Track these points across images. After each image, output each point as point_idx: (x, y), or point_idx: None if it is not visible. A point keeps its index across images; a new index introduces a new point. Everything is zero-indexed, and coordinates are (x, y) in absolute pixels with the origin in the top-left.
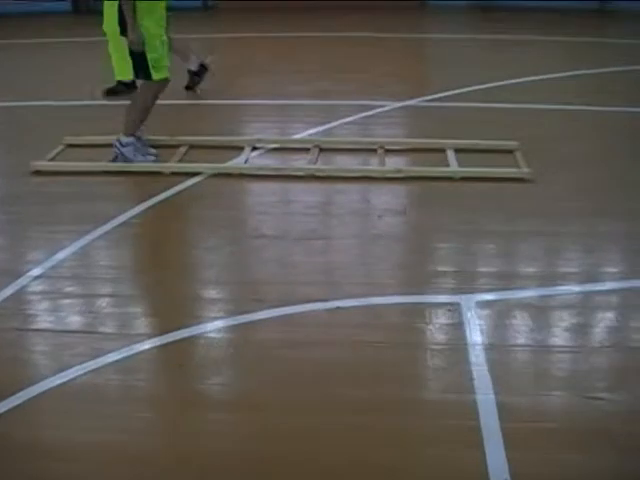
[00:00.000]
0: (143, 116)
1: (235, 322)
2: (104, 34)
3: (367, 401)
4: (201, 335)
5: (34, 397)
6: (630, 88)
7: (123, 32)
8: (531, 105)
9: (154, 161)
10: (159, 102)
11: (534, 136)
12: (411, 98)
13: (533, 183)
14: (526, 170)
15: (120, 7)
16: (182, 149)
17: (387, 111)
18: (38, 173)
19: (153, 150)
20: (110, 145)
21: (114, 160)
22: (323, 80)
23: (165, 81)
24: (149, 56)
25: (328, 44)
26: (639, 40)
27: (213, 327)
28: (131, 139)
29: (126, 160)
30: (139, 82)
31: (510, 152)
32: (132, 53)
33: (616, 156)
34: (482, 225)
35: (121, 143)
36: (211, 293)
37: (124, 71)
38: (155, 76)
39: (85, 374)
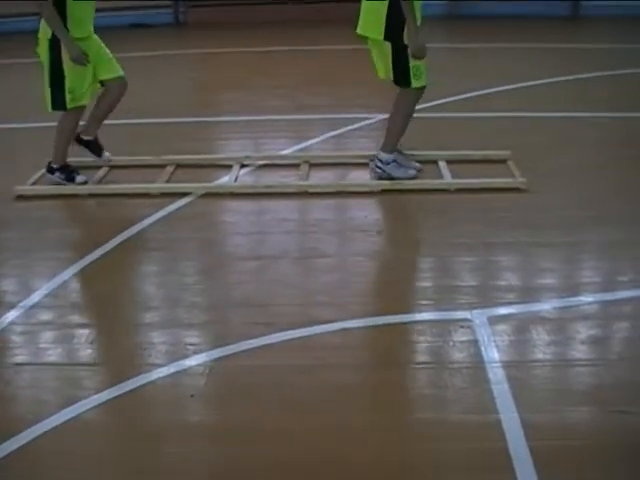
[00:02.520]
0: (404, 128)
1: (244, 347)
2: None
3: (383, 427)
4: (208, 363)
5: (37, 437)
6: (610, 94)
7: (388, 37)
8: (514, 113)
9: (414, 176)
10: (141, 121)
11: (522, 145)
12: None
13: (528, 193)
14: (521, 180)
15: (393, 7)
16: (169, 169)
17: (373, 123)
18: (21, 198)
19: (417, 164)
20: (95, 167)
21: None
22: (302, 94)
23: (423, 89)
24: (411, 64)
25: (304, 57)
26: (612, 45)
27: (221, 354)
28: (392, 155)
29: (393, 178)
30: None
31: (502, 162)
32: (398, 59)
33: (606, 163)
34: (484, 237)
35: (381, 161)
36: (215, 318)
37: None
38: (415, 84)
39: (93, 409)
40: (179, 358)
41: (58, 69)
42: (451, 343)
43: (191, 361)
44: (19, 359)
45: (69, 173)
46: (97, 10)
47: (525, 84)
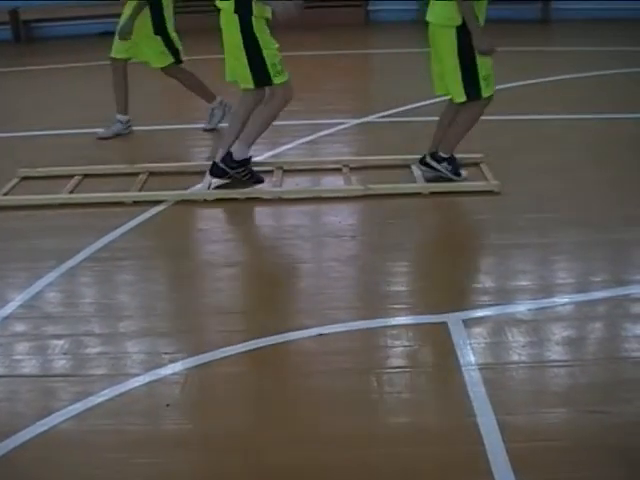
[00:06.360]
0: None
1: (220, 355)
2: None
3: (360, 432)
4: (184, 372)
5: (13, 449)
6: (581, 96)
7: None
8: (486, 116)
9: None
10: None
11: (494, 147)
12: (368, 114)
13: (501, 195)
14: (494, 182)
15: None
16: (142, 177)
17: (346, 129)
18: None
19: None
20: (68, 176)
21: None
22: None
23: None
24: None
25: None
26: (582, 47)
27: (197, 362)
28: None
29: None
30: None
31: (475, 164)
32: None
33: (579, 164)
34: (458, 240)
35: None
36: (190, 327)
37: None
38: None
39: (68, 420)
40: (154, 367)
41: (469, 57)
42: (427, 346)
43: (167, 370)
44: None
45: (456, 166)
46: (67, 19)
47: (499, 87)
